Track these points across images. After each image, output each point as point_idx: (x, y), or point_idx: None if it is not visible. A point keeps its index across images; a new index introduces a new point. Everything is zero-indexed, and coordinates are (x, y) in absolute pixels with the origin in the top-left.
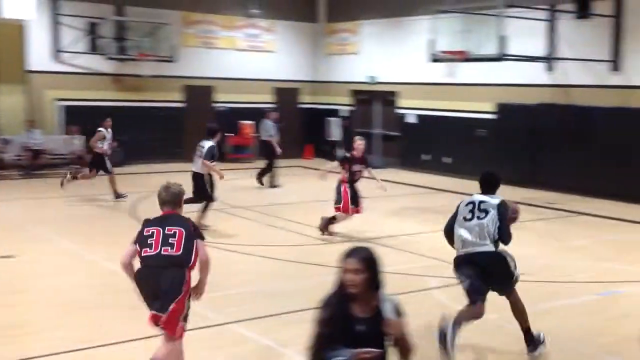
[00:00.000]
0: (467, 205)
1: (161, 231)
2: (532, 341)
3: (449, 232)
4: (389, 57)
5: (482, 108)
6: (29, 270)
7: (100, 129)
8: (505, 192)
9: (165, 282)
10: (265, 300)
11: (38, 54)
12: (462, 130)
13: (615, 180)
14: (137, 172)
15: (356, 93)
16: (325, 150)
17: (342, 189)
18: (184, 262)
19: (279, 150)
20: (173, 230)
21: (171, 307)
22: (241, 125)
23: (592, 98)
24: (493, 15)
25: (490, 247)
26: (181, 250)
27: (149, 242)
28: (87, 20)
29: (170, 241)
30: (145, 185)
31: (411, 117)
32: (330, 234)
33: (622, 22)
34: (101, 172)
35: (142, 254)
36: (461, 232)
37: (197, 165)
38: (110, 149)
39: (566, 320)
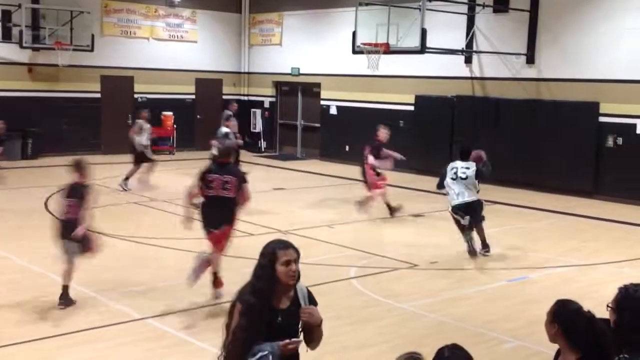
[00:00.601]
0: (451, 169)
1: (220, 178)
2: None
3: (440, 187)
4: (313, 49)
5: (403, 100)
6: None
7: (137, 120)
8: (423, 183)
9: (222, 214)
10: (183, 294)
11: None
12: (383, 121)
13: (527, 169)
14: (52, 165)
15: (279, 84)
16: (249, 141)
17: (368, 172)
18: (235, 202)
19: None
20: (228, 178)
21: (224, 227)
22: (162, 117)
23: (507, 90)
24: (415, 8)
25: (475, 197)
26: (234, 193)
27: (211, 185)
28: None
29: (226, 186)
30: (61, 178)
31: (332, 109)
32: (396, 209)
33: (538, 17)
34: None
35: (207, 193)
36: (455, 188)
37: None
38: (149, 141)
39: (476, 306)
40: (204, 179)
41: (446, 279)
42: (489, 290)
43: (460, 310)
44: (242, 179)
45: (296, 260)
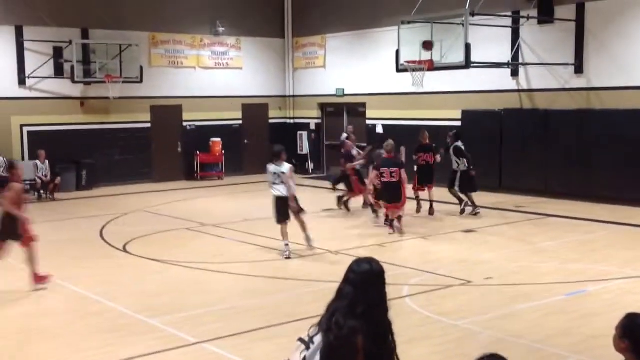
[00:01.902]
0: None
1: (388, 170)
2: None
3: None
4: (357, 69)
5: (449, 116)
6: None
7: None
8: (473, 197)
9: (395, 192)
10: (236, 317)
11: (3, 81)
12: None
13: (579, 180)
14: (105, 195)
15: (325, 106)
16: (296, 164)
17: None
18: (400, 184)
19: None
20: (394, 170)
21: (403, 199)
22: (210, 143)
23: (556, 101)
24: (458, 23)
25: None
26: (399, 178)
27: (384, 175)
28: (52, 44)
29: (392, 175)
30: (115, 207)
31: (378, 127)
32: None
33: (584, 26)
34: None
35: (382, 180)
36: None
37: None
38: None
39: (535, 321)
40: (379, 170)
41: (501, 294)
42: (547, 305)
43: (517, 327)
44: (401, 165)
45: None
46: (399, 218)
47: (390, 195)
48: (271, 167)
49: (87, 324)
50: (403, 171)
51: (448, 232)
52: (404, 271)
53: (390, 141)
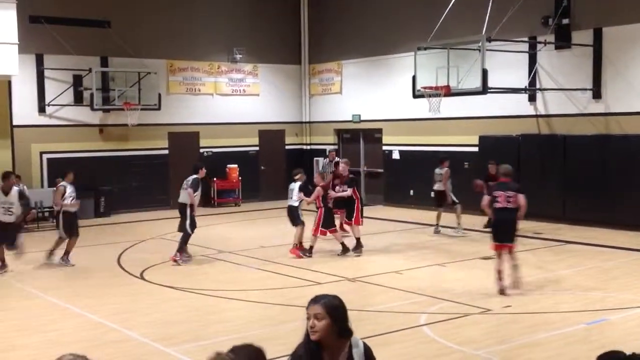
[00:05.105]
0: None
1: (504, 194)
2: None
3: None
4: (373, 95)
5: (466, 141)
6: (12, 327)
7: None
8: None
9: (508, 223)
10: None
11: (23, 109)
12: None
13: (598, 206)
14: (123, 222)
15: (341, 132)
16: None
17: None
18: (516, 212)
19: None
20: (510, 194)
21: (515, 241)
22: (227, 169)
23: (575, 127)
24: (474, 49)
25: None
26: (516, 205)
27: (497, 199)
28: (71, 72)
29: (509, 200)
30: (132, 234)
31: (394, 153)
32: None
33: (602, 51)
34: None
35: (495, 205)
36: None
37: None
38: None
39: (556, 350)
40: (492, 194)
41: (521, 323)
42: (567, 334)
43: (538, 356)
44: (519, 191)
45: (318, 316)
46: (515, 267)
47: (502, 228)
48: (437, 170)
49: (104, 353)
50: (522, 197)
51: (465, 259)
52: (422, 299)
53: (508, 166)
